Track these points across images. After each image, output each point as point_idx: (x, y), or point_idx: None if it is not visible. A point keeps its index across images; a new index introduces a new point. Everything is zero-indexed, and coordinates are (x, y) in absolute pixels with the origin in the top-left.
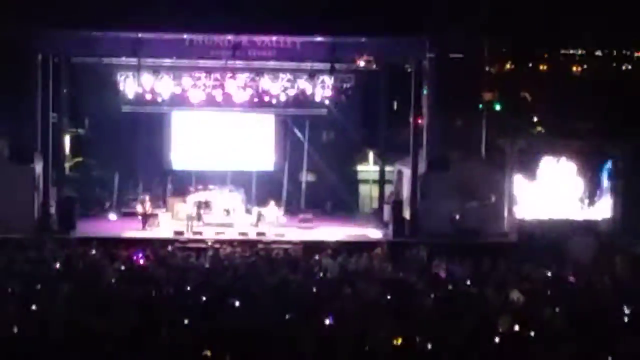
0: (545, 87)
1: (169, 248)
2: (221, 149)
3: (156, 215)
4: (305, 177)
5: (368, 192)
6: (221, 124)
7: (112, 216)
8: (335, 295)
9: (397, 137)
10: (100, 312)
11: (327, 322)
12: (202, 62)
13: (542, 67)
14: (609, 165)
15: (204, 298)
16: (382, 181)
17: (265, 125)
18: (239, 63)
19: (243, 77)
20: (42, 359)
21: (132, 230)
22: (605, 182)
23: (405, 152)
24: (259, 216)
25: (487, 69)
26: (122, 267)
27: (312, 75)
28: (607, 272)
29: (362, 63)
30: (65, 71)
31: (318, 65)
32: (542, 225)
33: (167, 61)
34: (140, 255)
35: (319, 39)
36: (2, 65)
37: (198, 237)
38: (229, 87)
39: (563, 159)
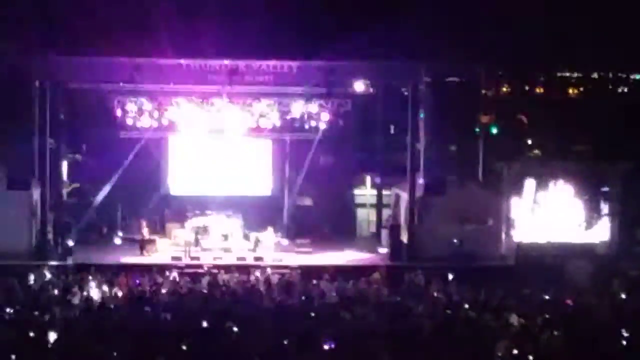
0: (541, 109)
1: (167, 273)
2: (218, 174)
3: (154, 240)
4: (303, 201)
5: (365, 216)
6: (218, 149)
7: (117, 240)
8: (333, 320)
9: (394, 160)
10: (98, 339)
11: (326, 347)
12: (199, 87)
13: (539, 90)
14: (605, 187)
15: (202, 323)
16: (379, 205)
17: (262, 149)
18: (236, 88)
19: (240, 102)
20: None
21: (130, 256)
22: (603, 205)
23: (403, 176)
24: (257, 241)
25: (483, 92)
26: (120, 294)
27: (309, 99)
28: (605, 296)
29: (358, 87)
30: (62, 97)
31: (315, 90)
32: (540, 248)
33: (164, 87)
34: (138, 281)
35: (315, 63)
36: None
37: (196, 262)
38: (225, 112)
39: (560, 182)
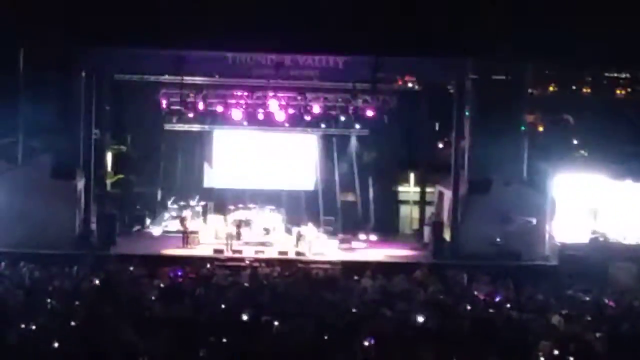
0: (588, 110)
1: (209, 266)
2: (262, 167)
3: (196, 233)
4: (346, 197)
5: (408, 213)
6: (262, 143)
7: (160, 232)
8: (374, 317)
9: (438, 158)
10: (139, 330)
11: (366, 343)
12: (244, 81)
13: (586, 90)
14: None
15: (243, 317)
16: (422, 202)
17: (307, 144)
18: (281, 82)
19: (285, 96)
20: None
21: (172, 248)
22: None
23: (447, 173)
24: (299, 236)
25: (529, 91)
26: (162, 285)
27: (355, 94)
28: None
29: (406, 84)
30: (108, 88)
31: (360, 85)
32: (584, 249)
33: (209, 79)
34: (180, 273)
35: (361, 58)
36: (46, 82)
37: (237, 255)
38: (271, 106)
39: (606, 182)
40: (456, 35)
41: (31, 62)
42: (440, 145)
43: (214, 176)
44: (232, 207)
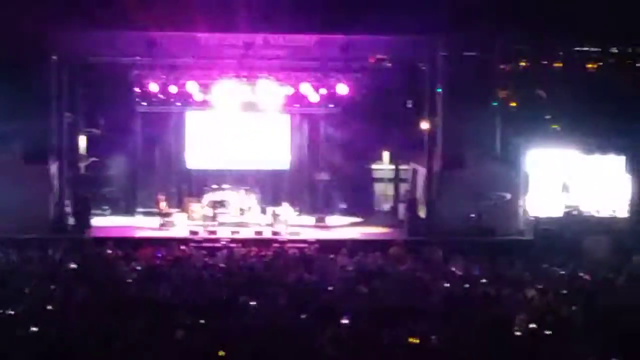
0: (560, 84)
1: (184, 248)
2: (236, 148)
3: (171, 214)
4: (321, 176)
5: (383, 191)
6: (236, 123)
7: (135, 214)
8: (350, 295)
9: (411, 135)
10: (115, 312)
11: (343, 321)
12: (215, 62)
13: (557, 65)
14: (625, 162)
15: (220, 298)
16: (397, 180)
17: (280, 124)
18: (253, 62)
19: (258, 76)
20: (59, 357)
21: (147, 230)
22: (622, 180)
23: (420, 151)
24: (274, 215)
25: (501, 66)
26: (138, 267)
27: (326, 73)
28: (624, 271)
29: (378, 61)
30: (80, 70)
31: (332, 64)
32: (558, 223)
33: (181, 60)
34: (156, 255)
35: (332, 37)
36: (17, 65)
37: (213, 236)
38: (244, 86)
39: (579, 156)
40: (426, 11)
41: (0, 45)
42: (414, 123)
43: (188, 158)
44: (206, 189)
